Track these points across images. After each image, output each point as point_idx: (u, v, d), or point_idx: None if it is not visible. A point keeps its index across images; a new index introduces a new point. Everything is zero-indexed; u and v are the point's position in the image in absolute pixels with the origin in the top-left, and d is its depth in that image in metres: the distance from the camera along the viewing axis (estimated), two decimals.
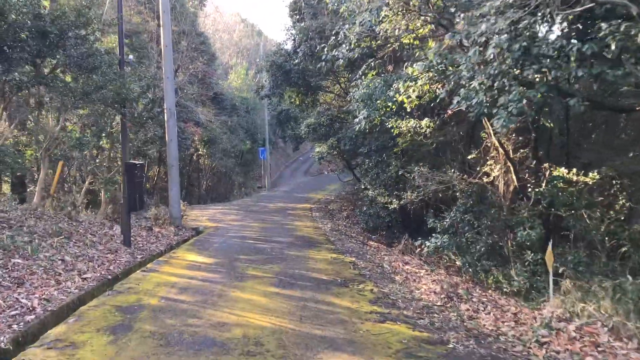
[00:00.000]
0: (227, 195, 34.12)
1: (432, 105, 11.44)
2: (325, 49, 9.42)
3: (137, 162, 11.04)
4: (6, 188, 16.74)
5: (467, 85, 6.98)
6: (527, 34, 6.11)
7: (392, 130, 10.51)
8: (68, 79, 10.00)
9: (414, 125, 10.33)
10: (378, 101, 8.34)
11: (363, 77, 9.74)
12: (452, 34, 7.40)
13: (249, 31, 59.43)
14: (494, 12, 6.25)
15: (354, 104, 9.41)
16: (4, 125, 12.72)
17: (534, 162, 9.80)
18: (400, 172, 14.23)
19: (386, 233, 18.78)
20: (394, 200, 16.96)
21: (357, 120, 9.99)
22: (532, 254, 8.52)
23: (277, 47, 18.69)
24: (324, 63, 9.36)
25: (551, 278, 7.12)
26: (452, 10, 7.89)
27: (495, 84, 6.67)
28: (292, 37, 17.57)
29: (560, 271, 7.76)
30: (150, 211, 16.29)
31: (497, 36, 6.32)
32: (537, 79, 6.60)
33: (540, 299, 7.61)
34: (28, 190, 15.34)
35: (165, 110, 15.47)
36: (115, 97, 10.09)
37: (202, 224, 17.33)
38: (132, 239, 11.85)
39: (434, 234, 10.36)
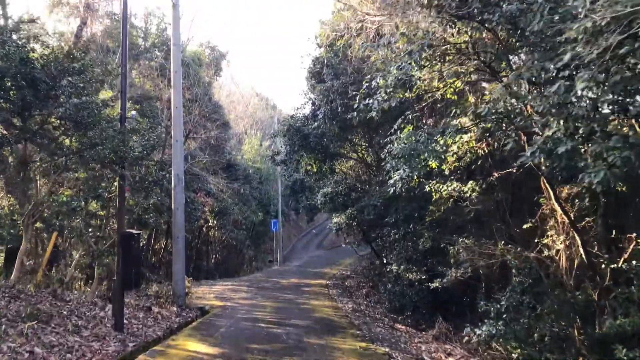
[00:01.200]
0: (237, 269, 32.28)
1: (472, 167, 10.02)
2: (358, 97, 8.20)
3: (134, 232, 9.56)
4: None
5: (543, 132, 5.53)
6: (632, 62, 4.71)
7: (432, 195, 9.03)
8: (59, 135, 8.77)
9: (456, 189, 8.85)
10: (420, 157, 6.95)
11: (399, 132, 8.45)
12: (517, 74, 6.05)
13: (264, 104, 59.63)
14: (581, 37, 4.90)
15: (390, 162, 8.05)
16: None
17: (611, 232, 8.16)
18: (432, 245, 12.56)
19: (412, 314, 16.79)
20: (424, 277, 15.17)
21: (391, 181, 8.55)
22: (625, 349, 6.69)
23: (294, 111, 17.73)
24: (355, 114, 8.11)
25: None
26: (518, 43, 6.61)
27: (582, 130, 5.23)
28: (311, 101, 16.56)
29: None
30: (151, 288, 14.65)
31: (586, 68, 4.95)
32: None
33: None
34: (26, 264, 13.84)
35: (172, 176, 14.20)
36: (112, 156, 8.78)
37: (208, 302, 15.55)
38: (125, 321, 10.14)
39: (486, 320, 8.55)
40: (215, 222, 28.55)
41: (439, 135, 7.05)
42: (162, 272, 22.76)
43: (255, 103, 58.30)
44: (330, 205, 21.85)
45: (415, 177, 8.37)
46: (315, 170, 19.29)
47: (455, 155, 8.25)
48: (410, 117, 8.38)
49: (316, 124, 15.55)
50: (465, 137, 7.97)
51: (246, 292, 19.28)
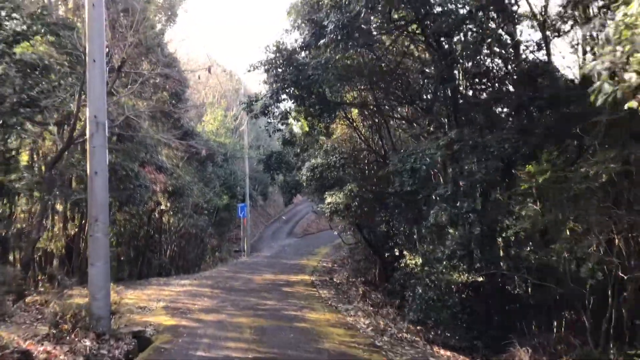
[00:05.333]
0: (197, 262, 26.82)
1: None
2: None
3: None
4: None
5: None
6: None
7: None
8: None
9: None
10: None
11: None
12: None
13: (227, 76, 54.14)
14: None
15: None
16: None
17: None
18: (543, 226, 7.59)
19: (444, 327, 11.79)
20: (478, 278, 10.29)
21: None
22: None
23: (283, 34, 11.91)
24: None
25: None
26: None
27: None
28: (311, 22, 10.85)
29: None
30: (59, 303, 9.07)
31: None
32: None
33: None
34: None
35: (87, 121, 8.62)
36: None
37: (153, 319, 10.15)
38: None
39: None
40: (169, 204, 22.93)
41: None
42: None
43: (219, 74, 52.57)
44: (320, 182, 16.79)
45: None
46: (307, 129, 13.99)
47: None
48: None
49: (323, 41, 9.82)
50: None
51: (210, 296, 13.93)
